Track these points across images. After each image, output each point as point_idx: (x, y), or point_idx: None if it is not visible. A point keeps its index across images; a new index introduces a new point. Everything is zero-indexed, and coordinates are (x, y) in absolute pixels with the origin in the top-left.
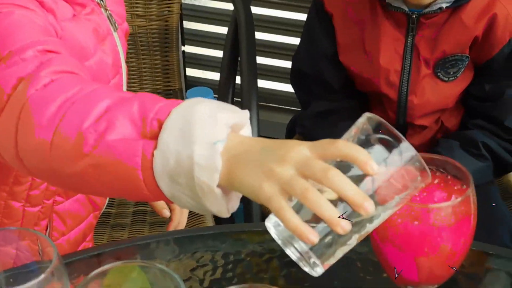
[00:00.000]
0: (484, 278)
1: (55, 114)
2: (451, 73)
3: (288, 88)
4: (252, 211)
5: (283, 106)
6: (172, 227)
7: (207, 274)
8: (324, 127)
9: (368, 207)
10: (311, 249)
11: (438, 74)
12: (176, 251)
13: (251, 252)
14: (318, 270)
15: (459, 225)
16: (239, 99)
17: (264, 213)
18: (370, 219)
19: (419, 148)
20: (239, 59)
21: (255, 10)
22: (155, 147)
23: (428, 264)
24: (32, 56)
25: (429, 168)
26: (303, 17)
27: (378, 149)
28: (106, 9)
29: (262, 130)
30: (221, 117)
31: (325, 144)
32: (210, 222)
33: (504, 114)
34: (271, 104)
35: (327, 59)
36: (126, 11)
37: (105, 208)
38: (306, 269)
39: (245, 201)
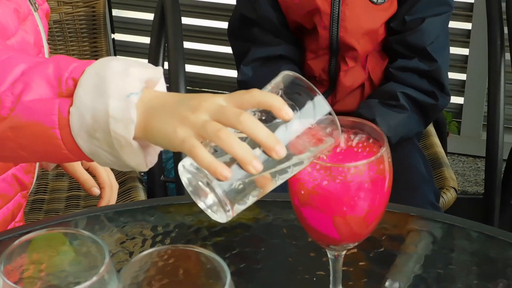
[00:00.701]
0: (406, 239)
1: None
2: None
3: (216, 72)
4: (183, 188)
5: (212, 90)
6: (103, 204)
7: (136, 246)
8: (266, 74)
9: (279, 150)
10: (223, 192)
11: None
12: (105, 226)
13: (179, 223)
14: (227, 215)
15: (374, 184)
16: (168, 84)
17: None
18: (281, 170)
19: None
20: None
21: None
22: (71, 104)
23: (347, 223)
24: None
25: (348, 131)
26: (229, 1)
27: (293, 102)
28: None
29: None
30: (134, 71)
31: (240, 94)
32: (142, 198)
33: (425, 40)
34: (200, 89)
35: None
36: None
37: (39, 195)
38: (215, 216)
39: (177, 177)
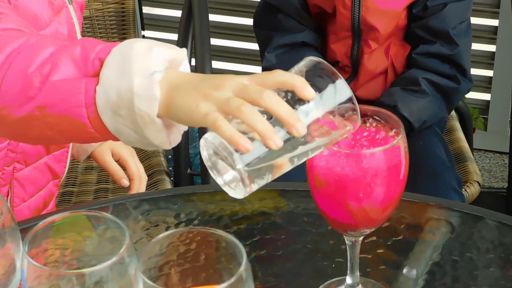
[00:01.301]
0: (425, 227)
1: (3, 64)
2: None
3: (242, 68)
4: (208, 178)
5: None
6: None
7: (159, 233)
8: (290, 60)
9: (300, 127)
10: (243, 166)
11: None
12: (130, 213)
13: (202, 211)
14: (245, 191)
15: (390, 171)
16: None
17: None
18: (299, 152)
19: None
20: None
21: None
22: (97, 83)
23: (362, 209)
24: None
25: (365, 118)
26: None
27: (315, 84)
28: None
29: None
30: (157, 50)
31: (264, 74)
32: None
33: (448, 24)
34: None
35: None
36: None
37: (68, 187)
38: (232, 192)
39: (203, 171)
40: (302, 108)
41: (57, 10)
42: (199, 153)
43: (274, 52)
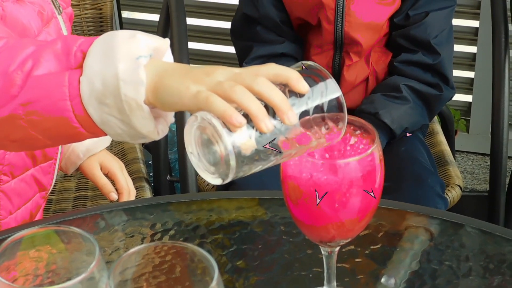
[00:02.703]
0: (403, 235)
1: None
2: None
3: None
4: (188, 186)
5: None
6: None
7: (135, 244)
8: None
9: (292, 116)
10: (231, 145)
11: None
12: (105, 224)
13: (178, 221)
14: (226, 176)
15: (365, 180)
16: None
17: (200, 188)
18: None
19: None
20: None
21: None
22: (81, 74)
23: (338, 219)
24: None
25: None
26: (232, 1)
27: (306, 81)
28: None
29: None
30: (142, 37)
31: (257, 66)
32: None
33: (429, 34)
34: None
35: None
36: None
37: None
38: (209, 177)
39: (182, 177)
40: (294, 102)
41: (47, 20)
42: (178, 159)
43: (252, 62)
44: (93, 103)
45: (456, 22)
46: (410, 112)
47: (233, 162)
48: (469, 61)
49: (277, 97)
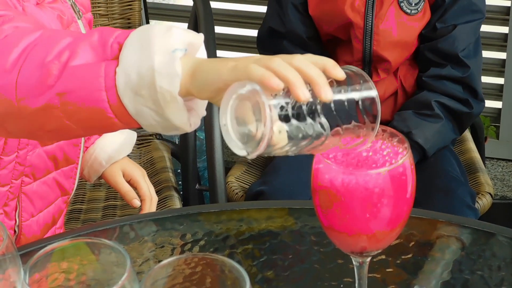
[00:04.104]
0: (435, 245)
1: (19, 57)
2: (413, 4)
3: None
4: (217, 195)
5: None
6: None
7: (165, 254)
8: None
9: (328, 91)
10: (269, 113)
11: (402, 4)
12: (135, 234)
13: (208, 232)
14: (257, 147)
15: (397, 190)
16: None
17: (229, 197)
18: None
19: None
20: None
21: (214, 4)
22: (117, 65)
23: (370, 230)
24: None
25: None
26: (260, 9)
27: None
28: None
29: None
30: (177, 31)
31: (292, 55)
32: (177, 207)
33: (457, 47)
34: None
35: (296, 9)
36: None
37: (76, 204)
38: (237, 149)
39: (211, 186)
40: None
41: (67, 25)
42: (207, 168)
43: None
44: (129, 94)
45: (485, 28)
46: (442, 130)
47: (266, 132)
48: (498, 68)
49: (314, 71)
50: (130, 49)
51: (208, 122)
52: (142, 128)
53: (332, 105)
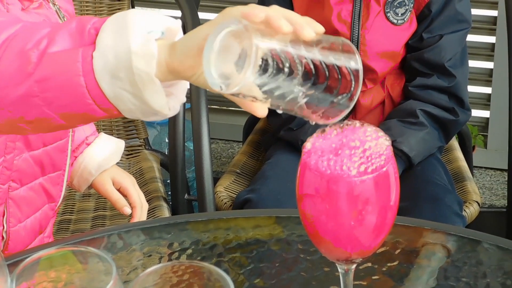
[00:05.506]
0: (421, 252)
1: None
2: (399, 14)
3: None
4: (205, 205)
5: (237, 108)
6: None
7: (153, 263)
8: None
9: (309, 31)
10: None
11: (388, 14)
12: (123, 243)
13: (195, 240)
14: (242, 75)
15: (380, 197)
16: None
17: (217, 207)
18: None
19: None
20: None
21: (202, 15)
22: (94, 50)
23: (355, 236)
24: None
25: (355, 141)
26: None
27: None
28: (54, 4)
29: (217, 132)
30: (154, 14)
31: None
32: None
33: (443, 57)
34: (223, 108)
35: None
36: (77, 14)
37: (65, 215)
38: (217, 82)
39: (200, 196)
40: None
41: None
42: (196, 178)
43: None
44: (106, 78)
45: (472, 38)
46: (427, 138)
47: (251, 59)
48: (486, 77)
49: (294, 16)
50: (107, 33)
51: (196, 133)
52: (124, 117)
53: (311, 54)
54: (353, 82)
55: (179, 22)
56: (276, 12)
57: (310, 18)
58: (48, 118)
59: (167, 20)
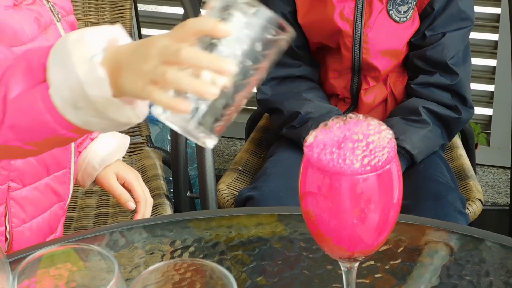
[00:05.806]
0: (423, 250)
1: None
2: (402, 12)
3: None
4: (208, 203)
5: None
6: (138, 218)
7: (155, 261)
8: (285, 91)
9: (228, 67)
10: (198, 120)
11: (391, 12)
12: (125, 241)
13: (197, 238)
14: (212, 139)
15: (384, 195)
16: None
17: (220, 204)
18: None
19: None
20: None
21: (204, 12)
22: (48, 88)
23: (357, 234)
24: None
25: (360, 140)
26: None
27: (238, 16)
28: (48, 1)
29: None
30: (90, 35)
31: (179, 28)
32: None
33: (446, 54)
34: None
35: (285, 18)
36: (80, 19)
37: (68, 212)
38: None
39: (202, 194)
40: (230, 43)
41: (44, 27)
42: (198, 176)
43: (268, 83)
44: (69, 110)
45: (475, 35)
46: (430, 136)
47: (213, 137)
48: (489, 75)
49: (205, 61)
50: (54, 68)
51: None
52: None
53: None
54: None
55: (117, 27)
56: (195, 84)
57: (214, 24)
58: (31, 151)
59: (103, 34)
